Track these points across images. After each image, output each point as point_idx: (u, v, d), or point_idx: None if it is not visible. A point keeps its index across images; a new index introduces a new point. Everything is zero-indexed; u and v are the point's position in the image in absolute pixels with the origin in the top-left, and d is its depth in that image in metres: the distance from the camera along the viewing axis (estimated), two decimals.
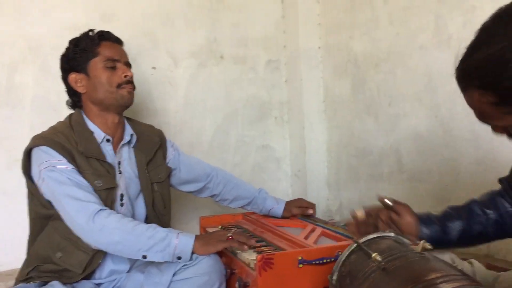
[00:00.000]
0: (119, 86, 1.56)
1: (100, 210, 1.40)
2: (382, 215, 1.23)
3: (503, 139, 1.77)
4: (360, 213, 1.25)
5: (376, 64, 2.27)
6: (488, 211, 1.16)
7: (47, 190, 1.44)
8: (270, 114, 2.62)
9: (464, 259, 1.20)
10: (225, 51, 2.47)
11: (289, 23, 2.60)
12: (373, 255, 0.99)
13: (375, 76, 2.28)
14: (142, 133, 1.68)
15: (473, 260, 1.19)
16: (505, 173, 1.79)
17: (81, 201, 1.40)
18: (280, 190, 2.63)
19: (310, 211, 1.84)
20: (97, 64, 1.55)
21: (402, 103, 2.15)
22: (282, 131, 2.65)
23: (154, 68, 2.27)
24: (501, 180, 1.22)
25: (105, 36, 1.59)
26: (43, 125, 1.57)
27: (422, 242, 1.01)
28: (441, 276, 0.88)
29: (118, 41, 1.63)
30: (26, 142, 1.49)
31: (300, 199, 1.93)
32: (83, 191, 1.42)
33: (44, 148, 1.45)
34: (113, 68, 1.56)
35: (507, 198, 1.16)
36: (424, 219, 1.19)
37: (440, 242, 1.15)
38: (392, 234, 1.11)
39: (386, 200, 1.23)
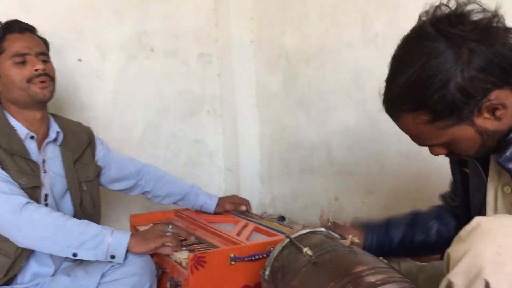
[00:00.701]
0: (30, 81, 1.44)
1: (28, 203, 1.33)
2: None
3: None
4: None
5: (307, 59, 2.30)
6: (431, 222, 1.19)
7: None
8: (202, 108, 2.59)
9: None
10: (156, 43, 2.41)
11: (221, 16, 2.58)
12: (305, 249, 1.00)
13: (306, 71, 2.31)
14: (69, 130, 1.60)
15: None
16: (427, 165, 1.88)
17: (7, 194, 1.32)
18: (213, 185, 2.61)
19: (243, 208, 1.84)
20: (4, 62, 1.44)
21: (332, 97, 2.20)
22: (215, 126, 2.64)
23: (80, 60, 2.17)
24: (442, 196, 1.26)
25: (10, 29, 1.46)
26: None
27: (350, 236, 1.04)
28: (367, 268, 0.91)
29: (28, 29, 1.49)
30: None
31: (234, 196, 1.93)
32: (8, 184, 1.34)
33: None
34: (23, 62, 1.44)
35: (449, 213, 1.21)
36: (368, 228, 1.19)
37: (383, 249, 1.16)
38: (323, 229, 1.13)
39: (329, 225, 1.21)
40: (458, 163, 1.08)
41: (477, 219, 0.80)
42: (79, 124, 1.69)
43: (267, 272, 1.09)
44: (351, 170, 2.18)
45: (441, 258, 1.25)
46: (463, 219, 1.10)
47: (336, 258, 0.98)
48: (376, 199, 2.05)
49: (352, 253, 1.00)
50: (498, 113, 0.85)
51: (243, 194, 2.53)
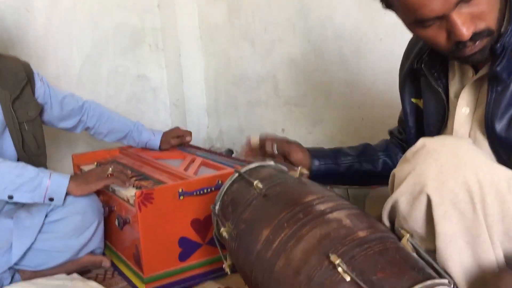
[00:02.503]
0: None
1: None
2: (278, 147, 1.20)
3: (368, 61, 1.87)
4: (254, 140, 1.21)
5: None
6: (379, 153, 1.21)
7: None
8: (143, 41, 2.48)
9: None
10: None
11: None
12: (255, 182, 1.00)
13: (250, 1, 2.24)
14: (5, 67, 1.48)
15: None
16: (371, 94, 1.91)
17: None
18: (159, 121, 2.56)
19: (188, 139, 1.81)
20: None
21: (277, 28, 2.15)
22: (157, 60, 2.54)
23: None
24: (390, 132, 1.27)
25: None
26: None
27: (299, 168, 1.04)
28: (317, 198, 0.93)
29: None
30: None
31: (176, 128, 1.89)
32: None
33: None
34: None
35: (396, 146, 1.22)
36: (317, 153, 1.19)
37: (332, 174, 1.17)
38: (272, 163, 1.13)
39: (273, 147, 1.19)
40: (409, 93, 1.08)
41: (422, 140, 0.81)
42: (16, 60, 1.56)
43: (217, 207, 1.09)
44: (297, 102, 2.18)
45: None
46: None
47: (286, 190, 0.98)
48: (322, 130, 2.07)
49: (301, 184, 1.00)
50: None
51: (190, 129, 2.49)
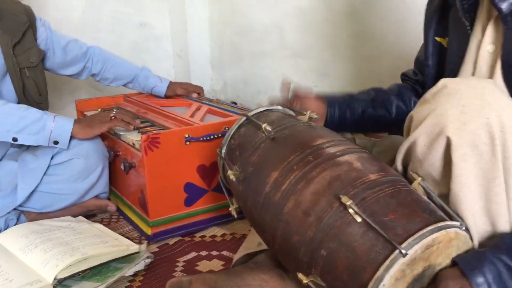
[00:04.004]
0: None
1: None
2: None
3: (378, 11, 1.82)
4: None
5: None
6: (392, 97, 1.18)
7: None
8: None
9: None
10: None
11: None
12: (263, 125, 0.99)
13: None
14: (6, 10, 1.43)
15: None
16: (379, 46, 1.87)
17: None
18: (162, 71, 2.49)
19: (195, 95, 1.79)
20: None
21: None
22: (160, 7, 2.47)
23: None
24: (404, 74, 1.24)
25: None
26: None
27: (309, 112, 1.03)
28: (327, 141, 0.92)
29: None
30: None
31: (187, 83, 1.87)
32: None
33: None
34: None
35: (410, 90, 1.19)
36: (332, 100, 1.17)
37: (346, 121, 1.16)
38: (279, 107, 1.11)
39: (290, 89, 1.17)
40: (434, 31, 1.05)
41: (443, 81, 0.79)
42: (17, 3, 1.51)
43: (223, 150, 1.08)
44: (304, 54, 2.14)
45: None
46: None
47: (296, 133, 0.97)
48: (328, 82, 2.04)
49: (310, 128, 0.99)
50: None
51: (194, 81, 2.47)
